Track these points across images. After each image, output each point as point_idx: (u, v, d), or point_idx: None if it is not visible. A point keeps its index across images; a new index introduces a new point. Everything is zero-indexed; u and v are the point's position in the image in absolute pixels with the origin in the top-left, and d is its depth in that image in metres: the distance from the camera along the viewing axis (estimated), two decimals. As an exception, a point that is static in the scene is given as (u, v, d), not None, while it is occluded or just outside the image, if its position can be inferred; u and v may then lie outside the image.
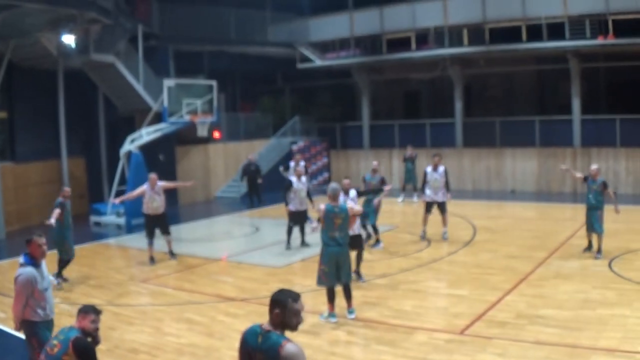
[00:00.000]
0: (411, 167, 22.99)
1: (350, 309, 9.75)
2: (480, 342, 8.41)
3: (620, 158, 22.61)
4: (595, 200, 12.91)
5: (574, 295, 10.29)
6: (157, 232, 14.58)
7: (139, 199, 14.91)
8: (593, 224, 12.93)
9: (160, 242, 14.75)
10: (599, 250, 12.87)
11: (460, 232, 16.39)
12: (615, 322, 8.85)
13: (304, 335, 9.05)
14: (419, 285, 11.61)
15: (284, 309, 4.37)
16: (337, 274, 9.58)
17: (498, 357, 7.88)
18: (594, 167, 13.28)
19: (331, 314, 9.62)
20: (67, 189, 13.00)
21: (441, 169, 15.25)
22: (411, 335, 8.81)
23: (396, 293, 11.07)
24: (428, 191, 15.35)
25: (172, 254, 14.60)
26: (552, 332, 8.58)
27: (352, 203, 10.78)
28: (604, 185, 12.95)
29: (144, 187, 14.45)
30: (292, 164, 18.48)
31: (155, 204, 14.31)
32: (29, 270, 6.57)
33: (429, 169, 15.40)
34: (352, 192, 11.83)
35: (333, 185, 9.92)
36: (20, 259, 6.71)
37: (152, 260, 14.32)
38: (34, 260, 6.66)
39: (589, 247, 13.31)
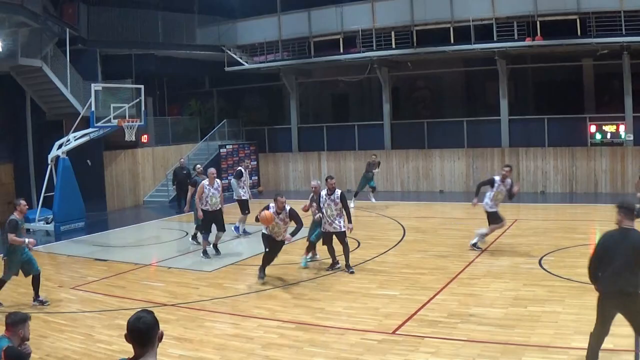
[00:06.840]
0: (371, 175, 22.80)
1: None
2: (412, 342, 8.33)
3: (548, 158, 23.06)
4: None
5: (504, 293, 10.33)
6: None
7: (75, 203, 14.25)
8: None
9: (89, 248, 14.25)
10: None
11: (389, 233, 16.40)
12: (547, 319, 8.87)
13: (237, 340, 8.87)
14: (349, 286, 11.45)
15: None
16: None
17: (431, 356, 7.80)
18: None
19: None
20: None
21: (337, 193, 12.38)
22: (343, 337, 8.69)
23: (327, 295, 10.93)
24: (323, 220, 12.50)
25: (216, 249, 14.78)
26: (484, 329, 8.57)
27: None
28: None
29: (203, 184, 14.45)
30: (242, 169, 17.23)
31: (214, 199, 14.40)
32: None
33: (324, 192, 12.53)
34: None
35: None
36: None
37: (206, 254, 14.49)
38: None
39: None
